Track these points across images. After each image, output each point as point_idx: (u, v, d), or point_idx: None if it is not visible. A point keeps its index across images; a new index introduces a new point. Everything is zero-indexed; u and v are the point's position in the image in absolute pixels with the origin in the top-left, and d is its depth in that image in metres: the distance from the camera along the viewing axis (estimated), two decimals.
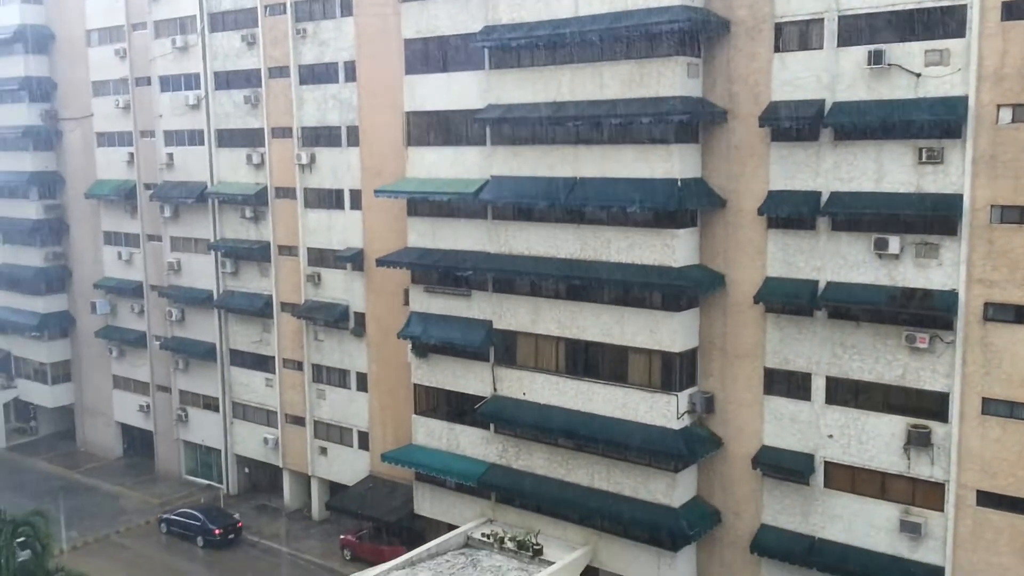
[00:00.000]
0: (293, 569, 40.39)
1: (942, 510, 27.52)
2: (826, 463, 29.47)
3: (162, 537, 43.68)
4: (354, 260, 41.65)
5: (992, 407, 26.54)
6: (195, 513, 43.85)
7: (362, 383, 42.71)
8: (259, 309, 45.51)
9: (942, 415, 27.36)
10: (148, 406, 52.65)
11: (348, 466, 43.44)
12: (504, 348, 35.33)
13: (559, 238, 33.28)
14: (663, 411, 31.29)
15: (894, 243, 27.45)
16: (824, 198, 28.72)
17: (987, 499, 26.81)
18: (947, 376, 27.14)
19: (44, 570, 31.51)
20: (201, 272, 47.99)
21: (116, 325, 53.52)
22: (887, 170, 27.70)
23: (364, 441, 42.89)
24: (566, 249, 33.07)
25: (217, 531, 42.71)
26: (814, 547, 29.54)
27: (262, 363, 46.57)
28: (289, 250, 44.54)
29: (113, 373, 54.57)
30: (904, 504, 28.12)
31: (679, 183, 30.36)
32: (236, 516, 44.44)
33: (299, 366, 44.87)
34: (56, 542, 35.13)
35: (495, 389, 35.64)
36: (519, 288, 34.74)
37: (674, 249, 30.71)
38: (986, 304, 26.43)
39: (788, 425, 30.13)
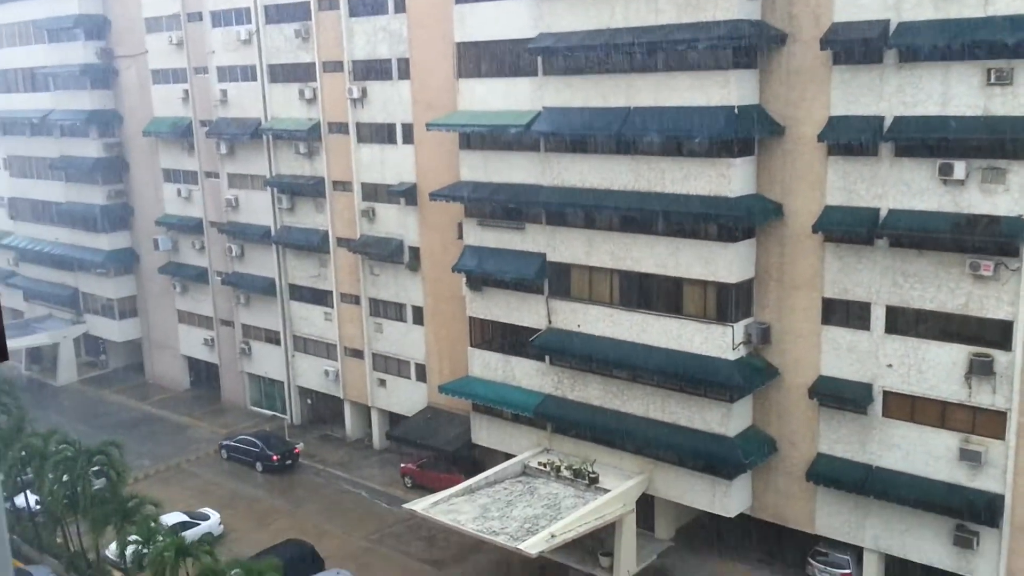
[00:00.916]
0: (358, 495, 41.75)
1: (1003, 438, 27.30)
2: (884, 392, 29.32)
3: (228, 465, 45.38)
4: (407, 194, 41.87)
5: None
6: (254, 440, 45.43)
7: (418, 316, 43.35)
8: (316, 244, 46.20)
9: (1005, 344, 26.92)
10: (212, 340, 54.20)
11: (406, 397, 44.43)
12: (558, 280, 35.48)
13: (613, 170, 33.00)
14: (718, 342, 31.29)
15: (959, 168, 26.70)
16: (887, 123, 27.95)
17: None
18: (1011, 304, 26.61)
19: (119, 497, 33.14)
20: (258, 208, 48.74)
21: (178, 261, 54.86)
22: (954, 92, 26.79)
23: (421, 373, 43.73)
24: (620, 181, 32.81)
25: (275, 457, 44.26)
26: (871, 475, 29.62)
27: (320, 297, 47.47)
28: (343, 185, 44.92)
29: (177, 308, 56.15)
30: (964, 433, 27.95)
31: (736, 110, 29.78)
32: (293, 443, 45.90)
33: (356, 300, 45.65)
34: (129, 471, 36.87)
35: (549, 321, 35.92)
36: (572, 220, 34.68)
37: (730, 179, 30.28)
38: None
39: (846, 355, 29.95)
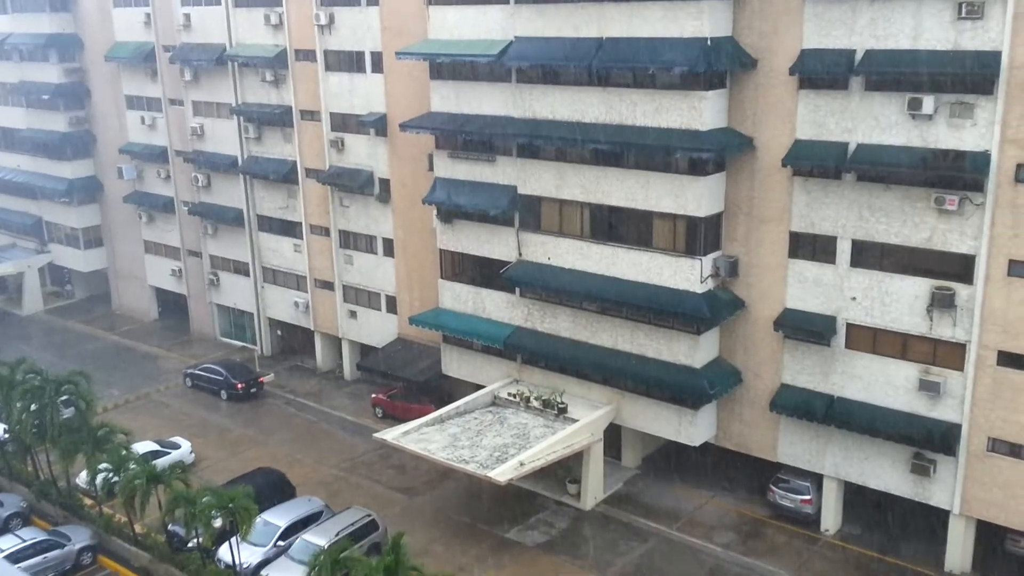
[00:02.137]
0: (330, 424, 42.13)
1: (962, 370, 28.02)
2: (848, 325, 29.87)
3: (197, 395, 45.38)
4: (377, 125, 41.33)
5: (1018, 269, 26.51)
6: (218, 368, 45.54)
7: (388, 249, 43.22)
8: (284, 175, 45.64)
9: (967, 277, 27.43)
10: (180, 270, 53.75)
11: (377, 329, 44.55)
12: (529, 213, 35.45)
13: (584, 102, 32.75)
14: (687, 275, 31.59)
15: (928, 103, 26.81)
16: (858, 56, 27.91)
17: (1008, 359, 27.20)
18: (974, 238, 27.06)
19: (88, 426, 33.19)
20: (224, 137, 47.92)
21: (144, 191, 54.01)
22: (925, 27, 26.75)
23: (392, 305, 43.80)
24: (591, 113, 32.60)
25: (239, 385, 44.45)
26: (833, 405, 30.36)
27: (289, 229, 47.10)
28: (311, 115, 44.21)
29: (144, 238, 55.49)
30: (924, 364, 28.63)
31: (709, 42, 29.54)
32: (258, 372, 46.02)
33: (326, 232, 45.36)
34: (98, 400, 36.85)
35: (520, 254, 35.99)
36: (544, 153, 34.52)
37: (701, 112, 30.20)
38: (1019, 165, 26.00)
39: (812, 288, 30.40)
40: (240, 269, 49.98)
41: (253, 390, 44.85)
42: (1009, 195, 26.31)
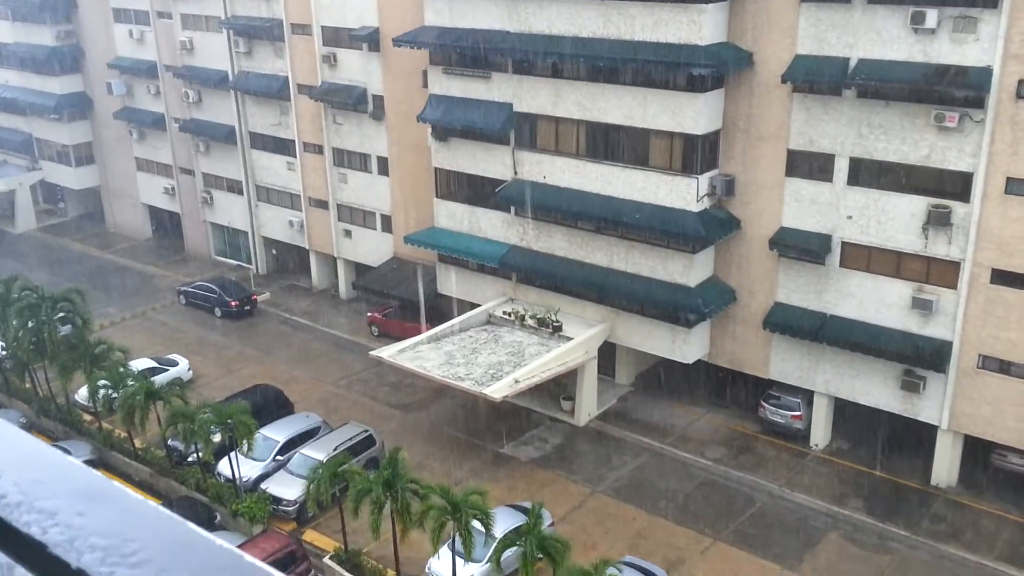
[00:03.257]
0: (326, 342, 42.43)
1: (955, 288, 28.15)
2: (843, 243, 29.87)
3: (194, 313, 45.54)
4: (370, 40, 40.48)
5: (1015, 187, 26.42)
6: (211, 286, 45.68)
7: (383, 167, 42.83)
8: (276, 91, 44.90)
9: (964, 195, 27.34)
10: (173, 188, 53.33)
11: (372, 248, 44.49)
12: (525, 131, 35.03)
13: (581, 15, 32.02)
14: (683, 194, 31.41)
15: (931, 17, 26.27)
16: None
17: (1001, 277, 27.33)
18: (973, 156, 26.86)
19: (86, 343, 33.37)
20: (214, 52, 46.96)
21: (133, 107, 53.18)
22: None
23: (387, 224, 43.64)
24: (588, 27, 31.91)
25: (233, 303, 44.61)
26: (825, 323, 30.58)
27: (282, 146, 46.57)
28: (303, 28, 43.26)
29: (135, 155, 54.87)
30: (918, 282, 28.74)
31: None
32: (252, 289, 46.13)
33: (319, 150, 44.88)
34: (95, 318, 36.98)
35: (515, 173, 35.70)
36: (540, 69, 33.92)
37: (701, 26, 29.57)
38: (1020, 81, 25.65)
39: (808, 207, 30.29)
40: (233, 187, 49.60)
41: (247, 308, 45.01)
42: (1010, 111, 26.01)
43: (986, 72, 25.91)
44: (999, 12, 25.45)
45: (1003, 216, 26.82)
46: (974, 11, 25.88)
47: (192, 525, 1.51)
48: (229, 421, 28.31)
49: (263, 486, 30.26)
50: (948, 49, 26.47)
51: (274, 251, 50.26)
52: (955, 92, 26.41)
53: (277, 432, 32.32)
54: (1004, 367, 27.98)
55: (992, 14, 25.60)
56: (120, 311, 46.11)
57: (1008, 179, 26.48)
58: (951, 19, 26.22)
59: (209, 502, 29.77)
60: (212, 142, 49.16)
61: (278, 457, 31.51)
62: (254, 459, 30.97)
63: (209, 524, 28.04)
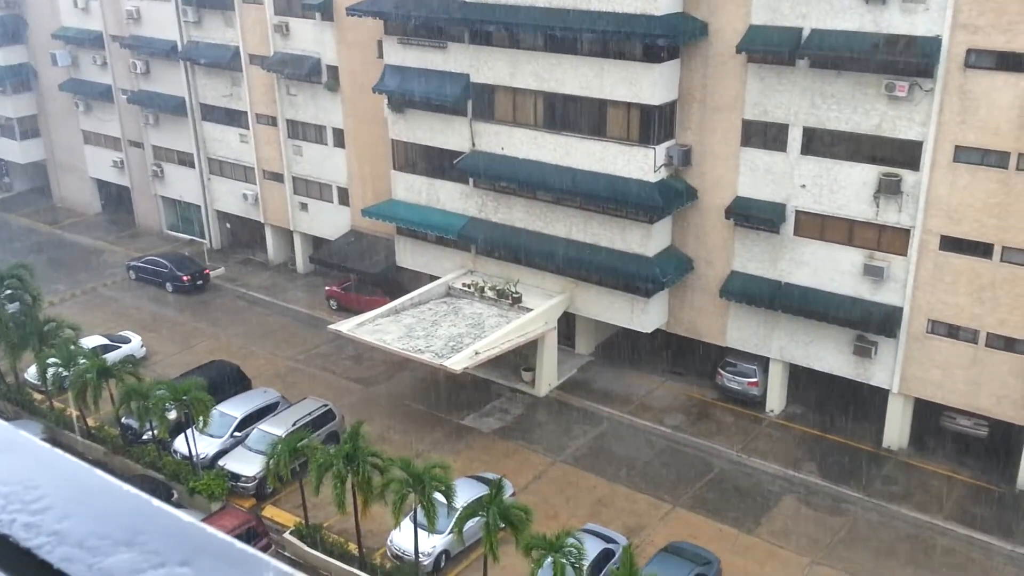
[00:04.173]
0: (284, 317, 42.04)
1: (905, 254, 28.73)
2: (797, 212, 30.30)
3: (146, 289, 44.75)
4: (323, 9, 39.82)
5: (963, 155, 26.99)
6: (162, 260, 44.95)
7: (339, 139, 42.33)
8: (227, 61, 44.01)
9: (914, 163, 27.84)
10: (122, 161, 52.16)
11: (329, 221, 44.04)
12: (482, 102, 34.82)
13: None
14: (640, 164, 31.54)
15: None
16: None
17: (950, 244, 27.97)
18: (923, 124, 27.32)
19: (35, 321, 32.67)
20: (162, 21, 45.81)
21: (79, 78, 51.76)
22: None
23: (344, 197, 43.20)
24: None
25: (185, 277, 43.94)
26: (780, 291, 31.05)
27: (235, 118, 45.75)
28: None
29: (82, 128, 53.50)
30: (869, 250, 29.30)
31: None
32: (204, 264, 45.46)
33: (273, 121, 44.17)
34: (44, 295, 36.17)
35: (473, 144, 35.52)
36: (497, 40, 33.70)
37: None
38: (968, 50, 26.13)
39: (763, 176, 30.62)
40: (185, 160, 48.66)
41: (200, 283, 44.37)
42: (958, 81, 26.47)
43: (935, 42, 26.30)
44: None
45: (951, 184, 27.37)
46: None
47: (102, 472, 1.47)
48: (184, 398, 28.01)
49: (221, 463, 30.02)
50: (899, 19, 26.81)
51: (228, 225, 49.51)
52: (905, 62, 26.78)
53: (234, 408, 32.03)
54: (952, 331, 28.70)
55: None
56: (70, 287, 45.18)
57: (956, 147, 27.01)
58: None
59: (166, 480, 29.48)
60: (162, 114, 48.10)
61: (236, 433, 31.25)
62: (211, 436, 30.63)
63: (166, 502, 27.64)
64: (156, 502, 1.46)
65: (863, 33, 27.36)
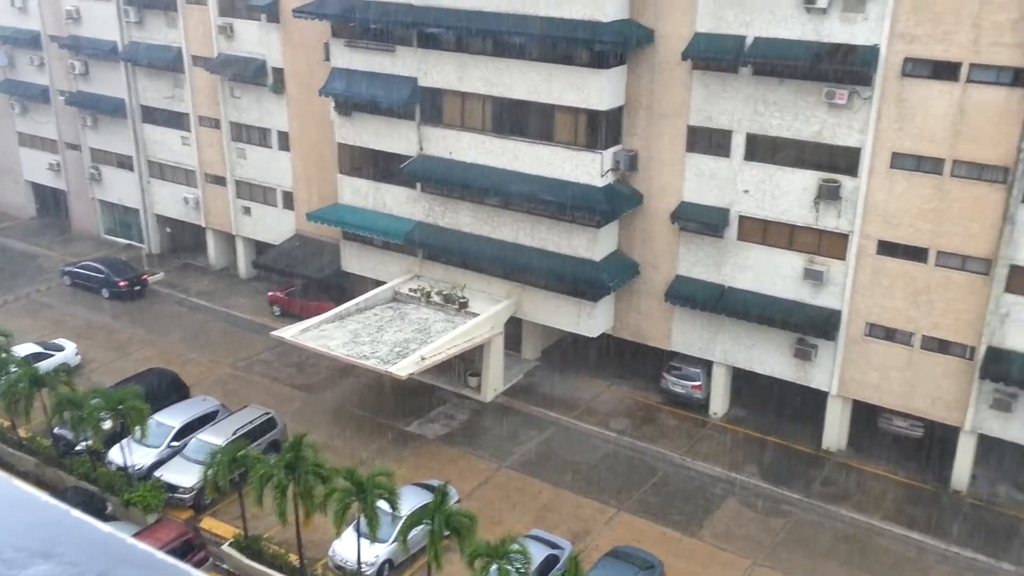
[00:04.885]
0: (225, 323, 41.26)
1: (844, 259, 29.29)
2: (740, 217, 30.71)
3: (81, 295, 43.55)
4: (269, 10, 39.37)
5: (900, 161, 27.64)
6: (98, 266, 43.87)
7: (284, 142, 41.81)
8: (169, 63, 43.24)
9: (852, 170, 28.43)
10: (58, 164, 50.83)
11: (273, 225, 43.42)
12: (430, 106, 34.70)
13: None
14: (588, 169, 31.68)
15: None
16: None
17: (886, 248, 28.58)
18: (861, 132, 27.93)
19: None
20: (103, 21, 44.85)
21: (16, 79, 50.39)
22: None
23: (289, 201, 42.64)
24: (493, 2, 31.75)
25: (121, 283, 42.94)
26: (724, 295, 31.41)
27: (177, 120, 44.92)
28: None
29: (17, 130, 52.10)
30: (809, 254, 29.81)
31: None
32: (142, 268, 44.55)
33: (216, 124, 43.47)
34: None
35: (421, 148, 35.36)
36: (445, 44, 33.63)
37: (604, 3, 29.79)
38: (906, 59, 26.80)
39: (707, 181, 30.99)
40: (124, 163, 47.58)
41: (137, 288, 43.35)
42: (895, 89, 27.13)
43: (873, 51, 26.93)
44: None
45: (888, 190, 28.00)
46: None
47: (21, 484, 1.41)
48: (120, 407, 27.22)
49: (157, 474, 29.19)
50: (838, 28, 27.41)
51: (168, 229, 48.51)
52: (845, 70, 27.37)
53: (172, 417, 31.26)
54: (889, 334, 29.31)
55: None
56: (1, 294, 43.78)
57: (893, 154, 27.65)
58: None
59: (100, 492, 28.60)
60: (100, 116, 47.02)
61: (173, 443, 30.48)
62: (148, 446, 29.73)
63: (100, 514, 26.93)
64: (76, 513, 1.39)
65: (804, 42, 27.91)
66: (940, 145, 26.84)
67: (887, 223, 28.25)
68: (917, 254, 28.12)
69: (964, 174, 26.77)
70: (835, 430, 31.31)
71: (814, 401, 31.64)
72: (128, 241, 49.20)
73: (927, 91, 26.71)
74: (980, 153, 26.35)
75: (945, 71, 26.37)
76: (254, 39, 40.61)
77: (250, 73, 40.66)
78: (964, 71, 26.06)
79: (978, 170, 26.56)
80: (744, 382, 33.44)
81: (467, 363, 35.21)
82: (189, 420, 31.17)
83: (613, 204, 31.73)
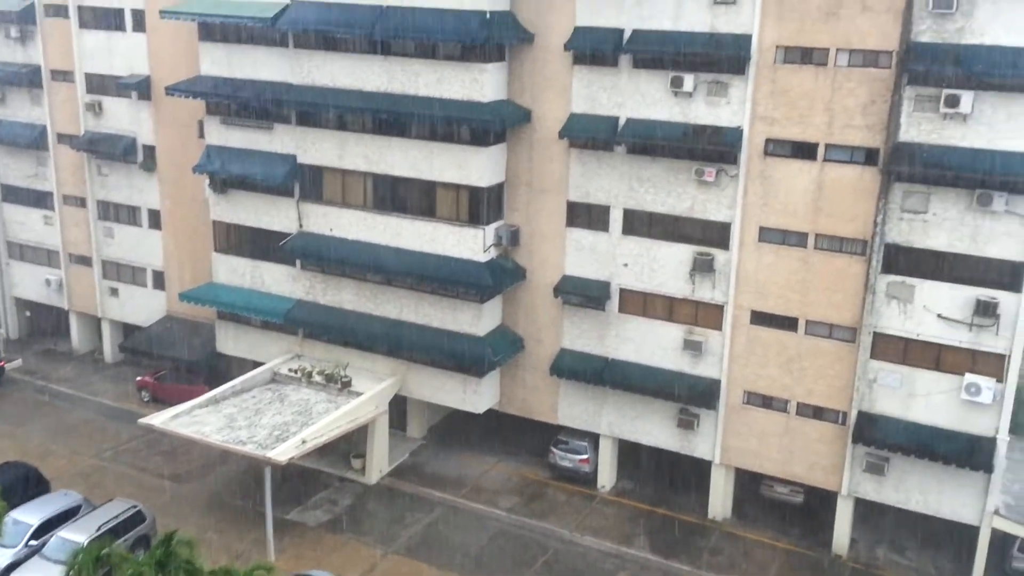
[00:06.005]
0: (89, 411, 38.93)
1: (720, 329, 30.26)
2: (621, 290, 31.41)
3: None
4: (140, 88, 38.50)
5: (767, 235, 29.02)
6: None
7: (155, 220, 40.45)
8: (32, 140, 41.50)
9: (724, 243, 29.64)
10: None
11: (143, 307, 41.62)
12: (310, 183, 34.39)
13: (365, 70, 32.16)
14: (470, 244, 31.89)
15: (688, 81, 28.64)
16: (627, 35, 29.34)
17: (759, 318, 29.71)
18: (730, 207, 29.26)
19: None
20: None
21: None
22: (685, 9, 28.55)
23: (160, 281, 41.07)
24: (373, 82, 32.07)
25: None
26: (607, 367, 31.82)
27: (39, 199, 42.98)
28: (64, 75, 40.54)
29: None
30: (688, 325, 30.66)
31: (488, 15, 29.88)
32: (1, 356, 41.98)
33: (82, 203, 41.78)
34: None
35: (301, 225, 34.86)
36: (324, 121, 33.60)
37: (483, 84, 30.52)
38: (767, 140, 28.41)
39: (588, 255, 31.67)
40: None
41: None
42: (759, 167, 28.66)
43: (737, 132, 28.46)
44: (746, 78, 28.16)
45: (758, 262, 29.30)
46: (724, 77, 28.49)
47: None
48: None
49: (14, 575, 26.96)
50: (704, 111, 28.90)
51: (28, 313, 45.86)
52: (712, 150, 28.78)
53: (30, 514, 29.04)
54: (766, 402, 30.26)
55: (740, 80, 28.28)
56: None
57: (761, 228, 29.04)
58: (705, 84, 28.70)
59: None
60: None
61: (32, 542, 28.30)
62: (3, 546, 27.52)
63: None
64: None
65: (673, 123, 29.27)
66: (803, 220, 28.38)
67: (759, 294, 29.47)
68: (788, 323, 29.34)
69: (826, 247, 28.32)
70: (720, 499, 31.81)
71: (699, 470, 32.15)
72: None
73: (788, 169, 28.33)
74: (840, 227, 27.99)
75: (804, 151, 28.08)
76: (124, 116, 39.52)
77: (119, 151, 39.44)
78: (821, 151, 27.81)
79: (839, 243, 28.16)
80: (630, 454, 33.72)
81: (351, 444, 34.24)
82: (49, 517, 29.05)
83: (496, 279, 31.95)
